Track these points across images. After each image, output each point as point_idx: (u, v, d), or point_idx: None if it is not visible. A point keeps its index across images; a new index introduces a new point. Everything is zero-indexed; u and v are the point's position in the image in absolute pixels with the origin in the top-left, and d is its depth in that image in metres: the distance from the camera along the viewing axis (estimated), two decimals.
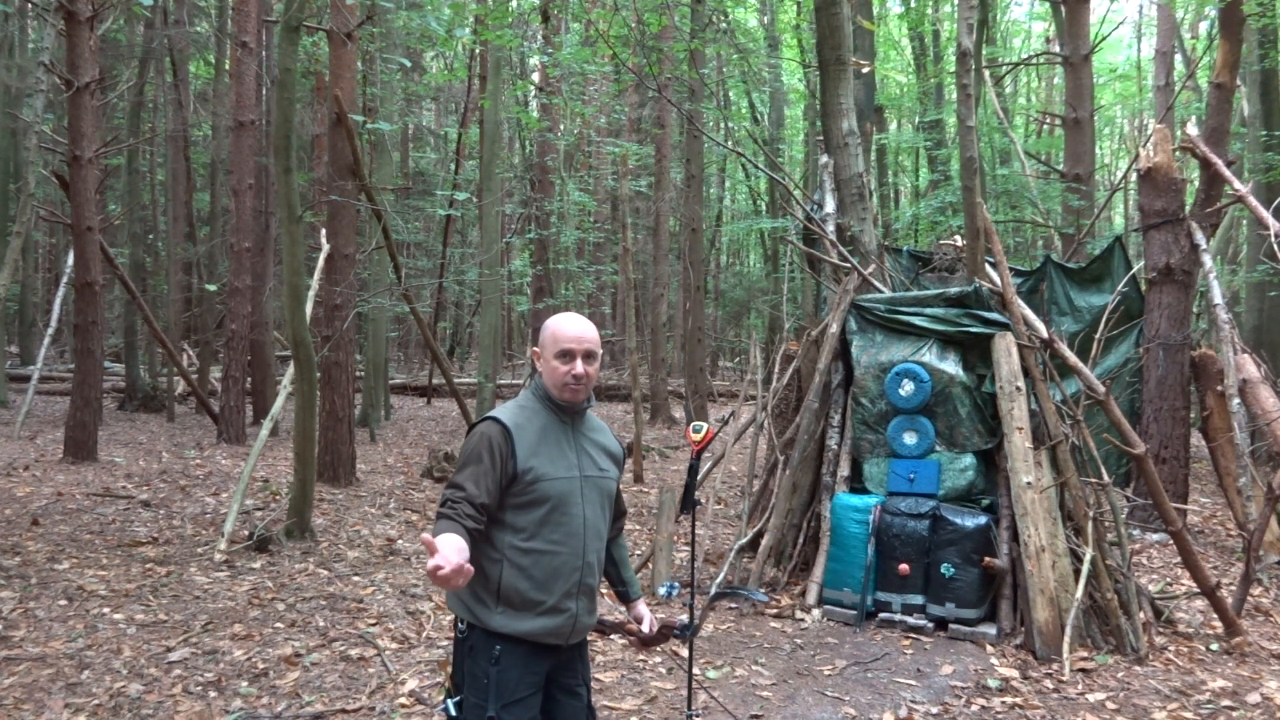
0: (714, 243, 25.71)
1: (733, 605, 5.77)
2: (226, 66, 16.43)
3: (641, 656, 4.84)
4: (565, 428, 2.50)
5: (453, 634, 2.49)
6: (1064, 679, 4.59)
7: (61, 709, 4.01)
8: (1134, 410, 7.79)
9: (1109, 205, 17.91)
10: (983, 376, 5.74)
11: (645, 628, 2.71)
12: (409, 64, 16.62)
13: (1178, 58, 19.04)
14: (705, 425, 3.61)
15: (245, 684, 4.36)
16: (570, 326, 2.47)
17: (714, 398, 18.57)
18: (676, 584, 3.02)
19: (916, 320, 5.93)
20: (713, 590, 5.95)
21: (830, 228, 6.86)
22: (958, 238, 7.96)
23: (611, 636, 2.91)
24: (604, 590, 2.67)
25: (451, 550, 2.05)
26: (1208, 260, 7.49)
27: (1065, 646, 4.78)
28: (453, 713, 2.41)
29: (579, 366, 2.44)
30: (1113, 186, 16.27)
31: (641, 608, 2.74)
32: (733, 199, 30.22)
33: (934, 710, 4.27)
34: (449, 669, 2.47)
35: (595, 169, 21.08)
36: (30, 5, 15.09)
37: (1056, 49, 15.04)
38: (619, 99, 19.56)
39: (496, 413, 2.45)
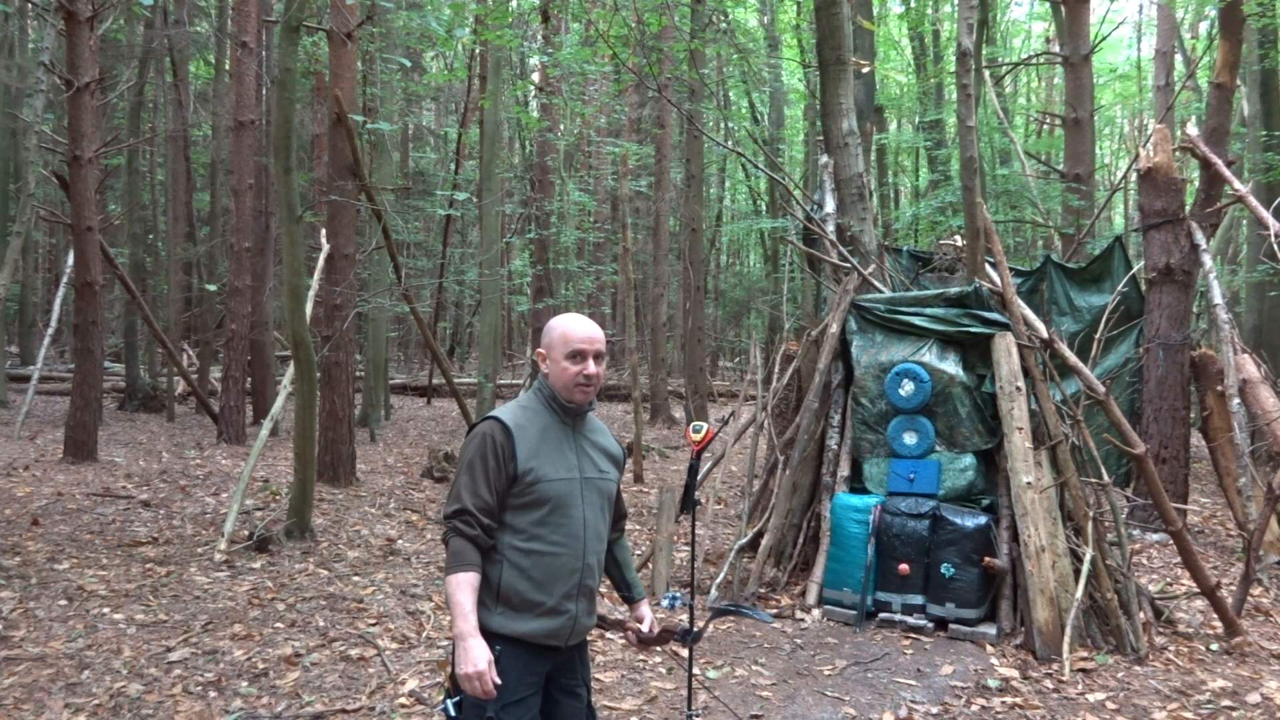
0: (714, 243, 25.71)
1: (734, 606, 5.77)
2: (226, 66, 16.42)
3: (641, 656, 4.84)
4: (566, 429, 2.50)
5: (452, 634, 2.49)
6: (1064, 679, 4.59)
7: (61, 709, 4.01)
8: (1134, 410, 7.79)
9: (1109, 205, 17.91)
10: (983, 376, 5.74)
11: (645, 628, 2.70)
12: (409, 64, 16.62)
13: (1178, 58, 19.03)
14: (705, 425, 3.61)
15: (245, 684, 4.36)
16: (581, 328, 2.48)
17: (714, 398, 18.56)
18: (680, 595, 3.02)
19: (916, 320, 5.93)
20: (712, 592, 5.95)
21: (830, 228, 6.86)
22: (958, 238, 7.96)
23: (609, 635, 2.89)
24: (604, 590, 2.66)
25: (485, 663, 2.28)
26: (1208, 260, 7.49)
27: (1065, 646, 4.78)
28: (452, 713, 2.41)
29: (591, 367, 2.46)
30: (1113, 186, 16.28)
31: (644, 608, 2.74)
32: (733, 199, 30.21)
33: (934, 710, 4.27)
34: (448, 669, 2.47)
35: (595, 169, 21.10)
36: (30, 5, 15.08)
37: (1056, 49, 15.04)
38: (619, 99, 19.55)
39: (498, 412, 2.45)
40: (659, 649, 2.75)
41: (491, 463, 2.37)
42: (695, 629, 2.86)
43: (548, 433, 2.45)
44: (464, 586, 2.32)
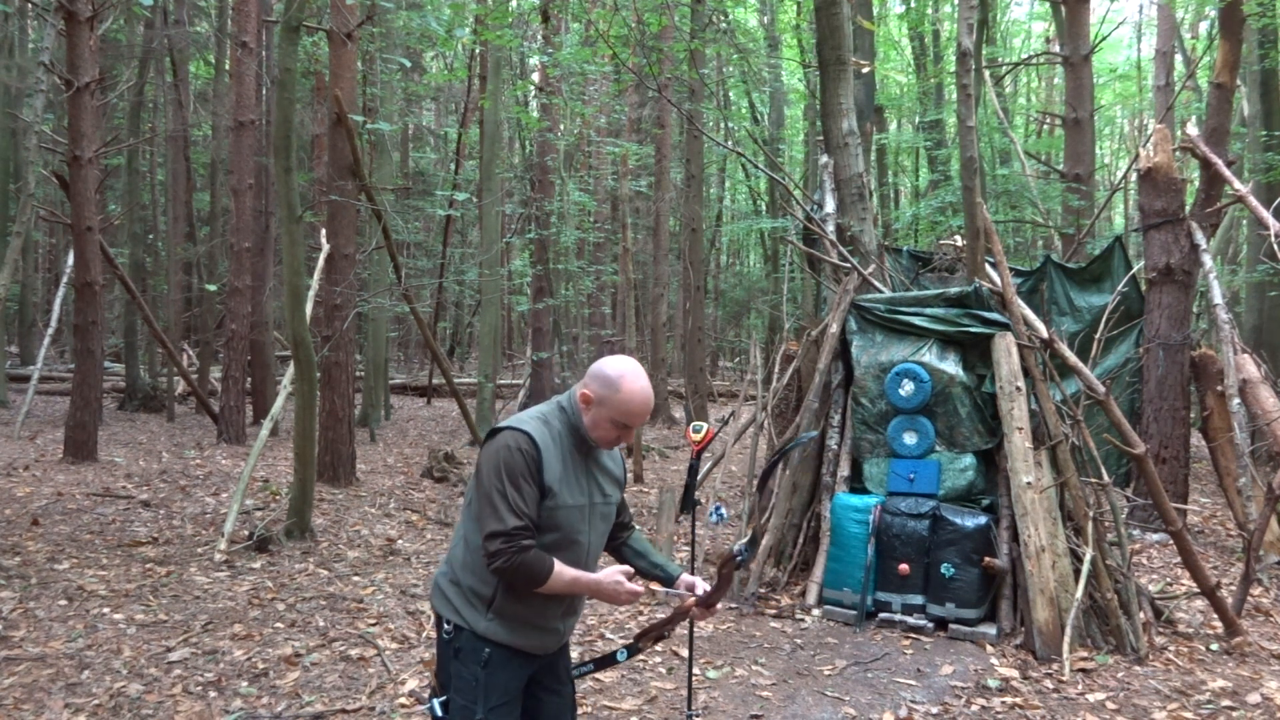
0: (714, 243, 25.69)
1: (733, 605, 5.77)
2: (226, 66, 16.42)
3: (642, 657, 4.84)
4: (581, 455, 2.45)
5: (437, 634, 2.48)
6: (1064, 679, 4.59)
7: (61, 709, 4.01)
8: (1134, 410, 7.79)
9: (1109, 205, 17.91)
10: (983, 376, 5.74)
11: (701, 591, 2.56)
12: (409, 64, 16.61)
13: (1178, 58, 19.02)
14: (705, 425, 3.62)
15: (245, 684, 4.36)
16: (643, 405, 2.37)
17: (714, 398, 18.57)
18: (724, 509, 2.95)
19: (916, 320, 5.93)
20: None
21: (830, 228, 6.87)
22: (958, 238, 7.97)
23: (668, 633, 2.71)
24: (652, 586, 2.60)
25: (618, 575, 2.37)
26: (1208, 260, 7.49)
27: (1065, 646, 4.78)
28: (439, 713, 2.41)
29: (629, 436, 2.44)
30: (1113, 186, 16.28)
31: (687, 577, 2.61)
32: (733, 199, 30.21)
33: (934, 710, 4.27)
34: (434, 668, 2.47)
35: (595, 169, 21.06)
36: (30, 5, 15.09)
37: (1056, 49, 15.04)
38: (619, 99, 19.54)
39: (526, 426, 2.35)
40: (723, 597, 2.60)
41: (529, 477, 2.30)
42: (743, 542, 2.69)
43: (567, 458, 2.40)
44: (564, 571, 2.30)
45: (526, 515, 2.27)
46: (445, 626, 2.42)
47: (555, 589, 2.32)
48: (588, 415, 2.40)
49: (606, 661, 2.75)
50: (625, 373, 2.37)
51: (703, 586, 2.57)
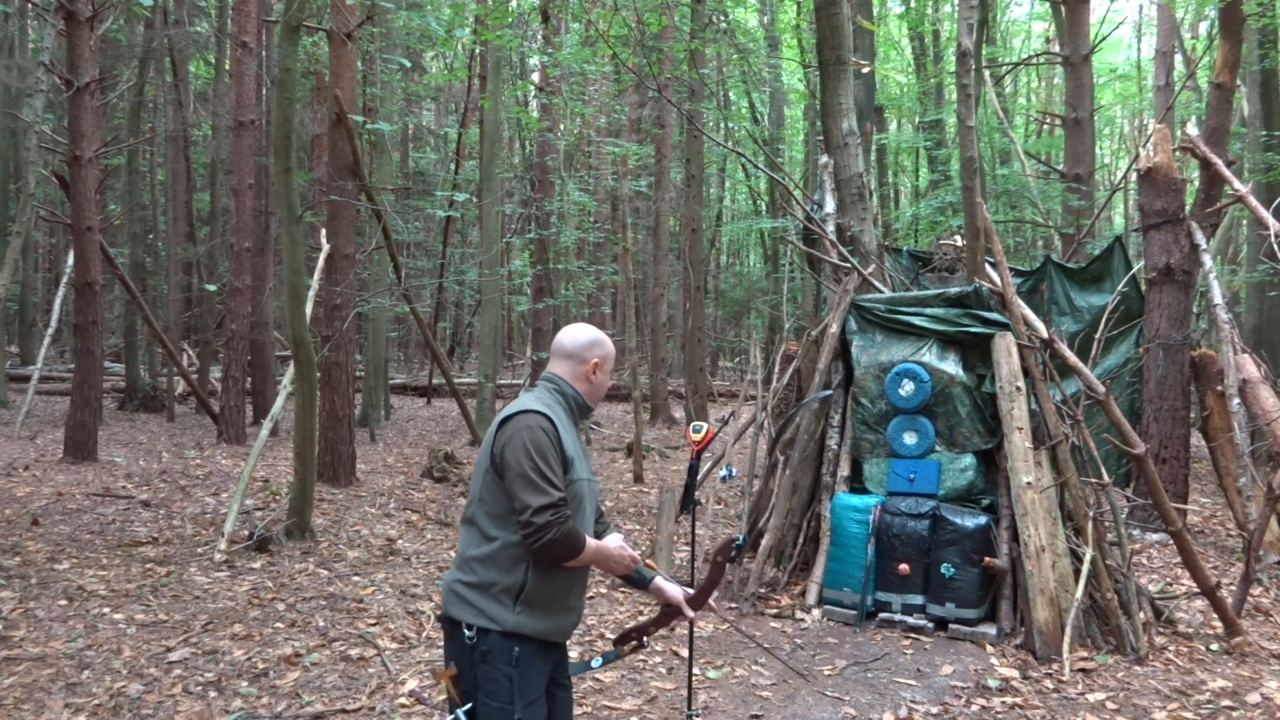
0: (714, 243, 25.69)
1: (733, 605, 5.77)
2: (226, 66, 16.42)
3: (644, 652, 4.84)
4: (578, 433, 2.56)
5: (453, 641, 2.44)
6: (1064, 679, 4.59)
7: (61, 709, 4.01)
8: (1134, 410, 7.79)
9: (1109, 205, 17.91)
10: (983, 376, 5.74)
11: (682, 595, 2.65)
12: (409, 64, 16.62)
13: (1178, 58, 19.03)
14: (705, 425, 3.62)
15: (245, 684, 4.36)
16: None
17: (714, 398, 18.55)
18: (734, 468, 2.99)
19: (916, 320, 5.93)
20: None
21: (830, 228, 6.87)
22: (958, 238, 7.97)
23: (647, 640, 2.73)
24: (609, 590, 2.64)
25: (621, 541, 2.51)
26: (1208, 260, 7.49)
27: (1065, 646, 4.78)
28: None
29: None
30: (1113, 186, 16.28)
31: (666, 584, 2.67)
32: (733, 199, 30.21)
33: (934, 710, 4.27)
34: (450, 677, 2.41)
35: (595, 169, 21.08)
36: (30, 5, 15.09)
37: (1056, 49, 15.05)
38: (619, 99, 19.56)
39: (536, 406, 2.43)
40: (716, 588, 2.67)
41: (555, 453, 2.37)
42: (742, 535, 2.73)
43: (572, 435, 2.50)
44: (591, 543, 2.40)
45: (560, 491, 2.35)
46: (468, 632, 2.37)
47: (585, 558, 2.40)
48: (597, 379, 2.59)
49: (580, 668, 2.81)
50: (590, 331, 2.64)
51: (681, 591, 2.65)
